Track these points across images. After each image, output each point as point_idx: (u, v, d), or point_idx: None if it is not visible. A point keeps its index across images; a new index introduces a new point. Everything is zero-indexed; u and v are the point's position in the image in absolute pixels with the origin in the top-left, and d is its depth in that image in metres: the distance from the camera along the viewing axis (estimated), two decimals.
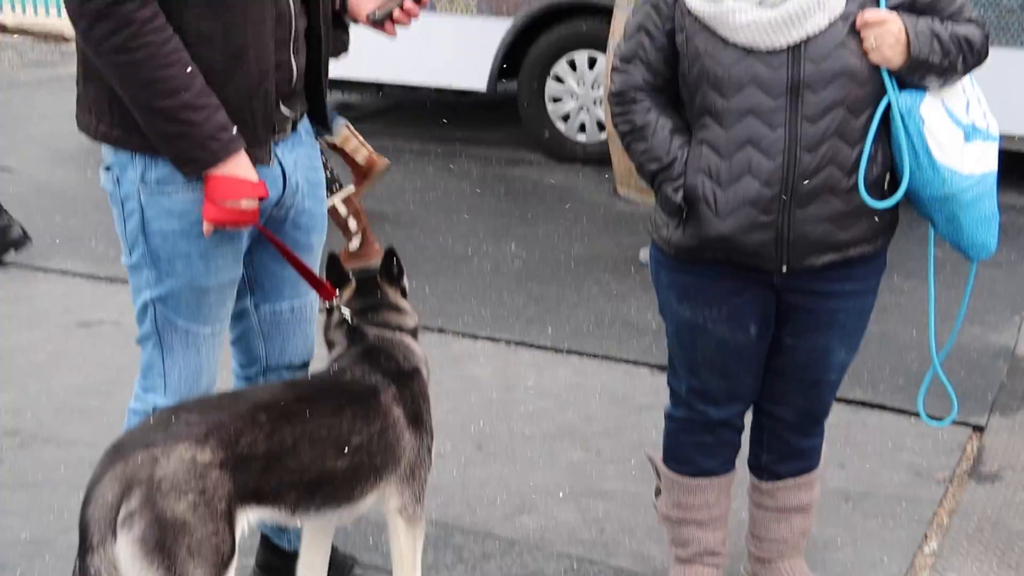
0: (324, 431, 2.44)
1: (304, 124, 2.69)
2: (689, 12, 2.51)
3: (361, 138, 5.58)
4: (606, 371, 4.43)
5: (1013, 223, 5.96)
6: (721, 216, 2.53)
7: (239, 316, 2.73)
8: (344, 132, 5.51)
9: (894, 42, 2.43)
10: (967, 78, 2.57)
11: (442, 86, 7.68)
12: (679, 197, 2.56)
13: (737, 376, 2.75)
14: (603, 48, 6.63)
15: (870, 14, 2.43)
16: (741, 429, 2.88)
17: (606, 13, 6.59)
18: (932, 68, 2.47)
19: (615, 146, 6.48)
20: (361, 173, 5.59)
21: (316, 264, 2.75)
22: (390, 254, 2.85)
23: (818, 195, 2.50)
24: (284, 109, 2.55)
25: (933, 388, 2.84)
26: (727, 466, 2.90)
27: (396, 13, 2.64)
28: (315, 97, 2.69)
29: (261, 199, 2.44)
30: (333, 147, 5.49)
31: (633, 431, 3.90)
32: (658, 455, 2.98)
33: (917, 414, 3.06)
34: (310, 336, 2.84)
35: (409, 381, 2.67)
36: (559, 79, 7.19)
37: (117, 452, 2.25)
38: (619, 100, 2.64)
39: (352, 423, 2.50)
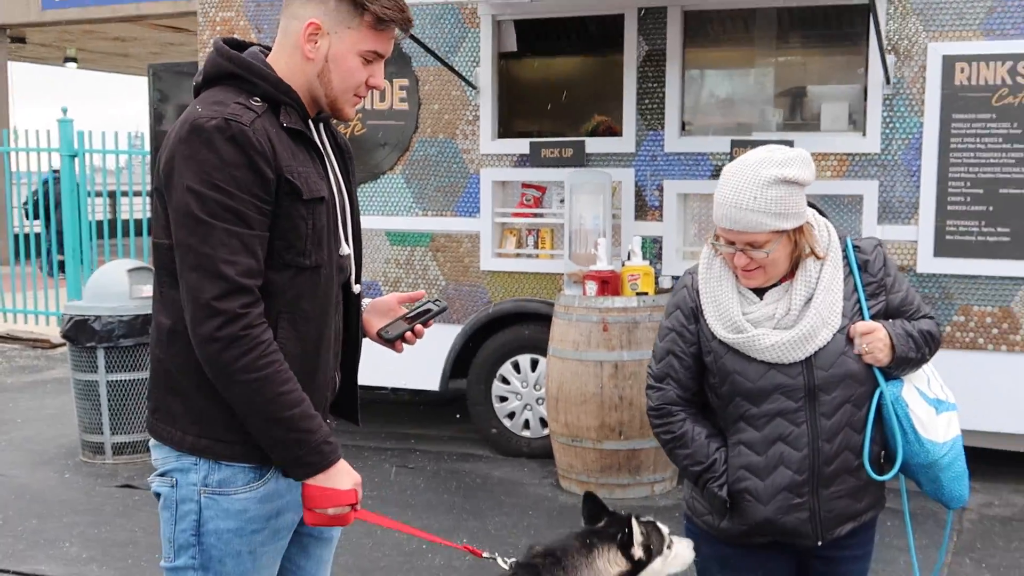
0: None
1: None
2: (715, 338, 3.00)
3: None
4: None
5: None
6: (763, 503, 2.99)
7: None
8: None
9: (883, 346, 2.95)
10: None
11: (399, 386, 8.30)
12: (724, 492, 3.02)
13: None
14: (544, 351, 7.27)
15: (861, 326, 2.95)
16: None
17: (546, 320, 7.31)
18: (910, 362, 3.00)
19: (557, 442, 7.04)
20: None
21: (331, 559, 2.96)
22: (625, 522, 3.02)
23: (837, 476, 2.99)
24: (330, 420, 2.81)
25: None
26: None
27: (407, 334, 2.90)
28: (348, 400, 2.93)
29: (352, 505, 2.58)
30: None
31: None
32: None
33: None
34: None
35: None
36: (505, 380, 7.81)
37: None
38: (658, 414, 3.11)
39: None
